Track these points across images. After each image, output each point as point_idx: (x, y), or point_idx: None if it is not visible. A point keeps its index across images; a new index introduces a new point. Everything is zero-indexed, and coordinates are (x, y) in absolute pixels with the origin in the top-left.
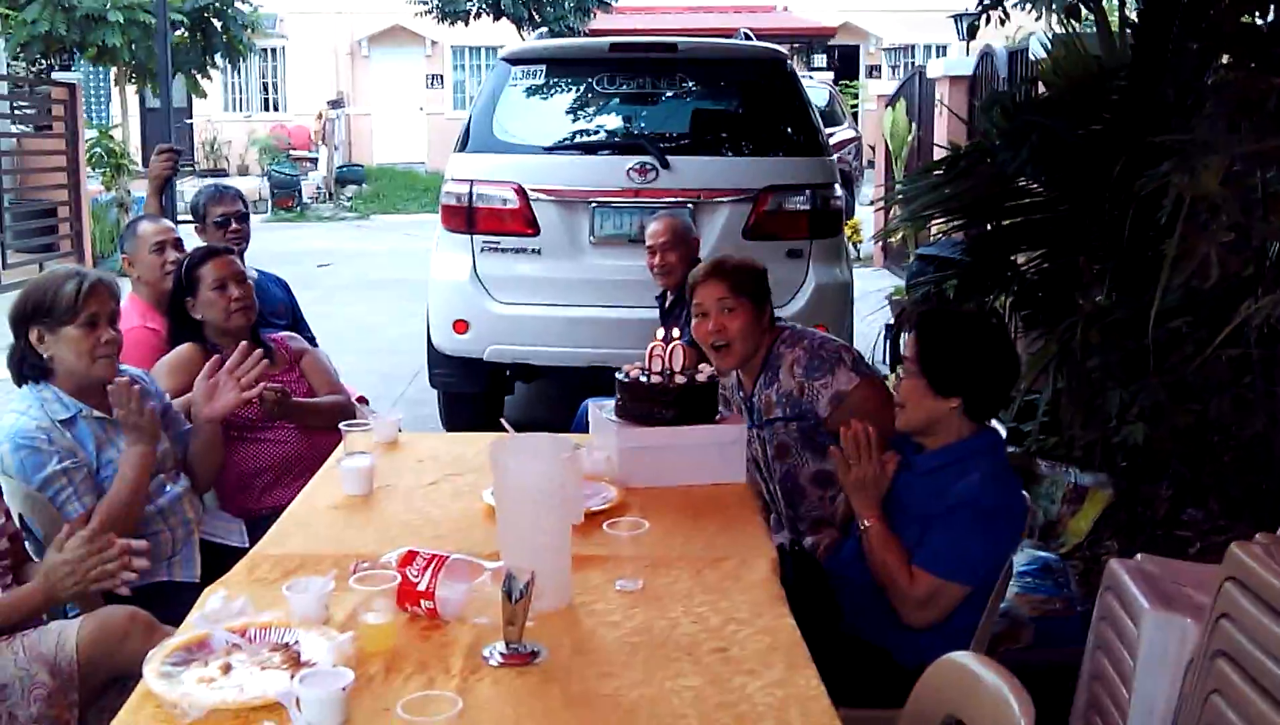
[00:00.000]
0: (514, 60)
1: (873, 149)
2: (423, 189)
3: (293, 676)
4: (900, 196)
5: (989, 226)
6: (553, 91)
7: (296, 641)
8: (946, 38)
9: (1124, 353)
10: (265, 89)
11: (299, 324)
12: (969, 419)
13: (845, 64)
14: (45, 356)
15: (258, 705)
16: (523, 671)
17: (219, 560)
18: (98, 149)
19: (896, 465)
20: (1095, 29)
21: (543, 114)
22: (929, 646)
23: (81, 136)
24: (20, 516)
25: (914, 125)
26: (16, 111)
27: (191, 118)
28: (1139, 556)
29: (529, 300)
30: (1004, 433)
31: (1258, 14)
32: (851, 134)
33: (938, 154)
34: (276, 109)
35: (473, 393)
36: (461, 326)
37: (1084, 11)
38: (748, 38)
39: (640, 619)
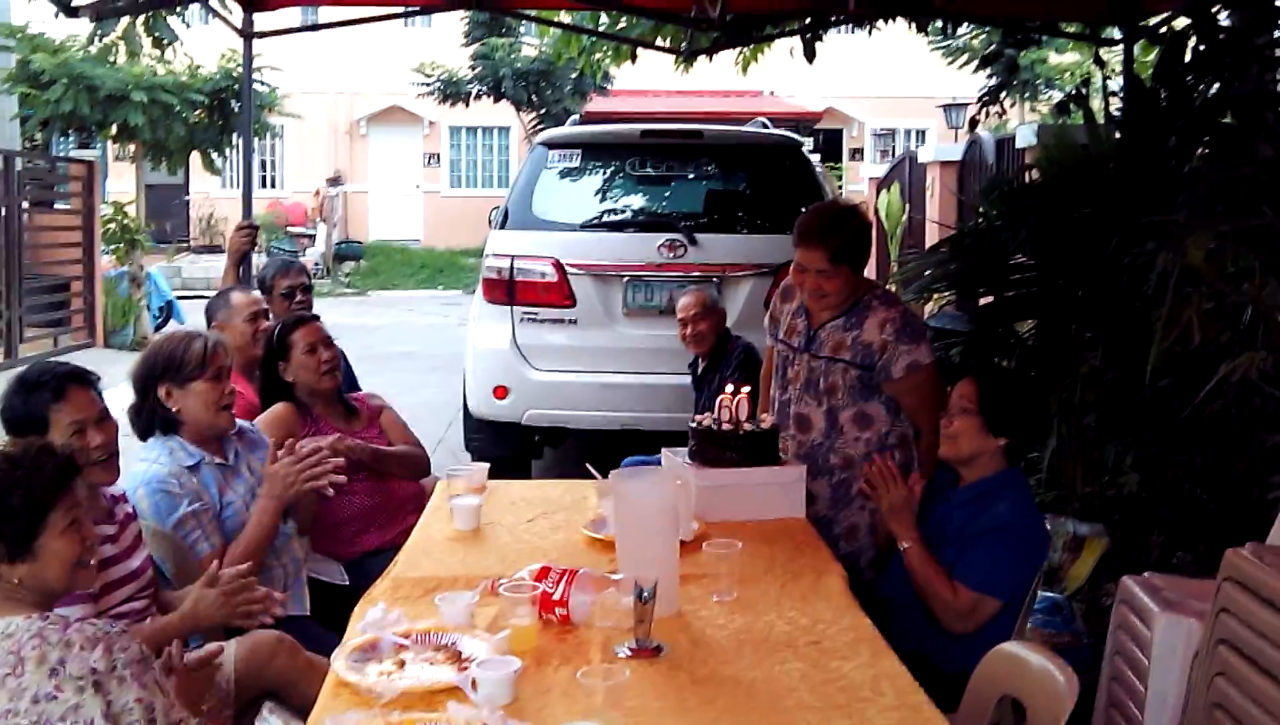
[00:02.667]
0: (551, 145)
1: None
2: (419, 265)
3: (459, 670)
4: (911, 272)
5: (992, 298)
6: (587, 173)
7: (454, 642)
8: (925, 122)
9: (1117, 410)
10: (263, 166)
11: (353, 388)
12: (1005, 458)
13: (830, 147)
14: (174, 410)
15: (439, 689)
16: (653, 662)
17: (324, 597)
18: (112, 225)
19: (923, 488)
20: (1082, 122)
21: (578, 194)
22: (968, 654)
23: (97, 212)
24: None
25: (906, 206)
26: (31, 188)
27: (189, 195)
28: (1147, 574)
29: (566, 367)
30: None
31: (1229, 115)
32: None
33: (930, 232)
34: (273, 186)
35: (505, 456)
36: (501, 392)
37: (1071, 107)
38: (765, 126)
39: (740, 622)
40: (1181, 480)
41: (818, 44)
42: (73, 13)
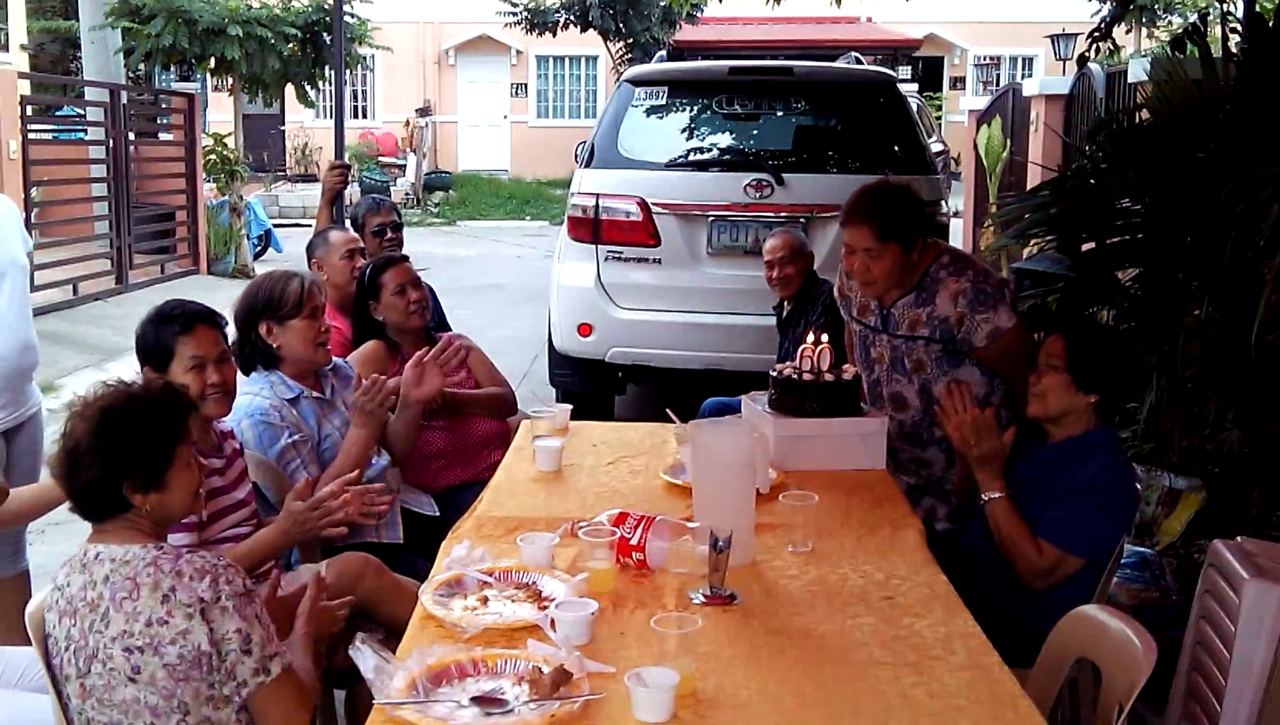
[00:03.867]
0: (637, 81)
1: (956, 161)
2: (506, 196)
3: (539, 609)
4: (1010, 214)
5: (1094, 244)
6: (673, 111)
7: (535, 581)
8: (1033, 50)
9: (1221, 363)
10: (355, 97)
11: (442, 325)
12: (1096, 416)
13: (929, 75)
14: (274, 346)
15: (519, 626)
16: (726, 610)
17: (415, 526)
18: (213, 156)
19: (1014, 438)
20: (1198, 58)
21: (664, 132)
22: (1051, 612)
23: (199, 144)
24: (254, 483)
25: (1007, 142)
26: (135, 120)
27: (284, 125)
28: (1239, 538)
29: (649, 306)
30: None
31: None
32: (939, 147)
33: (1032, 171)
34: (365, 116)
35: (588, 392)
36: (586, 329)
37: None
38: (858, 61)
39: (814, 574)
40: None
41: None
42: None
